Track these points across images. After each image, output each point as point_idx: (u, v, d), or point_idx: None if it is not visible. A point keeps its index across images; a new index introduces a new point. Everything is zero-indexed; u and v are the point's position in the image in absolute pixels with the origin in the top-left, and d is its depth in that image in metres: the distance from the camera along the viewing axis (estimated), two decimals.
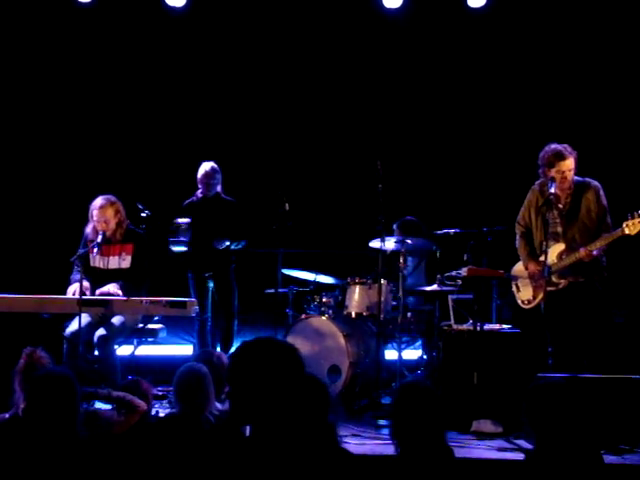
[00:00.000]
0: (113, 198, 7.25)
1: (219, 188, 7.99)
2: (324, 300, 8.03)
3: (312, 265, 8.28)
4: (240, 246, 7.87)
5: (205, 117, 9.50)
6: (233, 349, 7.76)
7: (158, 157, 9.44)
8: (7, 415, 4.94)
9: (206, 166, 7.92)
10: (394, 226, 8.09)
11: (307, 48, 9.48)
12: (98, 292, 6.99)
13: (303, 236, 8.55)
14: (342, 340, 7.54)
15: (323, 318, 7.76)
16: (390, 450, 5.75)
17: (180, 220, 7.59)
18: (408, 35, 9.32)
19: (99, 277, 7.14)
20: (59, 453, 3.75)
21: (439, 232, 7.78)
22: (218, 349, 7.73)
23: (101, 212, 7.15)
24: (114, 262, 7.23)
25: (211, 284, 7.91)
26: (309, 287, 8.25)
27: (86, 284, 6.80)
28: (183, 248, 7.61)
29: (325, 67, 9.48)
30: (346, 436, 6.14)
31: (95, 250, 7.07)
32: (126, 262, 7.22)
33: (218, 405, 4.89)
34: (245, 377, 3.01)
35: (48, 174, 9.35)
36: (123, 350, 7.41)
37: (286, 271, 8.14)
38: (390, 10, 8.83)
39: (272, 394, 2.98)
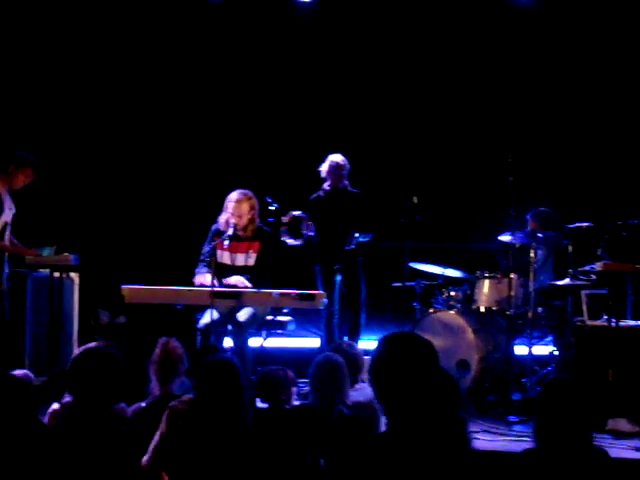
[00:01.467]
0: (250, 193, 7.33)
1: (346, 181, 7.98)
2: (452, 294, 7.94)
3: (440, 259, 8.20)
4: (367, 238, 7.85)
5: (334, 110, 9.51)
6: (361, 342, 7.78)
7: (288, 151, 9.50)
8: (144, 404, 5.06)
9: (336, 157, 7.92)
10: (527, 216, 7.91)
11: (435, 43, 9.39)
12: (225, 282, 7.10)
13: (431, 229, 8.48)
14: (471, 335, 7.45)
15: (451, 312, 7.68)
16: (522, 447, 5.72)
17: (294, 213, 7.61)
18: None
19: (225, 273, 7.24)
20: (229, 439, 3.77)
21: (571, 225, 7.58)
22: (345, 339, 7.75)
23: (237, 205, 7.24)
24: (241, 259, 7.32)
25: (339, 277, 7.92)
26: (437, 281, 8.17)
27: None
28: (297, 242, 7.65)
29: (455, 60, 9.38)
30: (477, 432, 6.07)
31: (226, 243, 7.16)
32: (252, 260, 7.31)
33: (353, 394, 4.89)
34: (388, 371, 3.02)
35: (182, 168, 9.53)
36: (252, 342, 7.50)
37: (414, 264, 8.09)
38: None
39: (412, 388, 2.99)
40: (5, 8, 9.15)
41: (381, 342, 3.09)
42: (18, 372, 4.95)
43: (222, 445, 3.78)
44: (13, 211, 7.51)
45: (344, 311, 8.01)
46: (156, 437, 4.39)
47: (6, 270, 7.35)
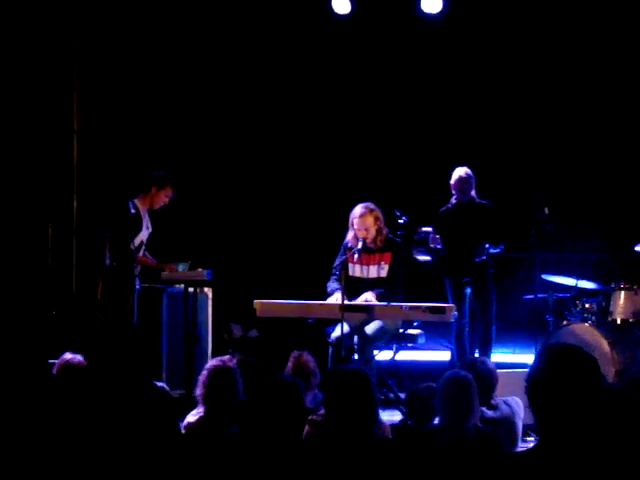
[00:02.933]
0: (372, 205, 7.36)
1: (473, 193, 7.91)
2: (586, 306, 7.75)
3: (573, 270, 8.04)
4: (498, 249, 7.76)
5: (459, 121, 9.46)
6: (492, 356, 7.68)
7: (415, 163, 9.49)
8: None
9: (460, 171, 7.87)
10: None
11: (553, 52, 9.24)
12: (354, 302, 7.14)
13: (563, 240, 8.32)
14: (607, 347, 7.26)
15: (586, 325, 7.50)
16: None
17: (424, 229, 7.60)
18: None
19: (358, 286, 7.27)
20: (358, 453, 3.74)
21: None
22: (476, 355, 7.67)
23: (361, 220, 7.28)
24: (373, 271, 7.34)
25: (469, 290, 7.85)
26: (570, 293, 8.00)
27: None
28: (427, 257, 7.62)
29: (583, 67, 9.20)
30: None
31: (355, 257, 7.20)
32: (384, 271, 7.31)
33: (488, 412, 4.83)
34: (549, 385, 2.90)
35: (313, 182, 9.63)
36: (383, 355, 7.50)
37: (545, 276, 7.95)
38: None
39: (575, 406, 2.87)
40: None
41: (542, 353, 2.98)
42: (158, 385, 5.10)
43: (353, 455, 3.76)
44: (150, 230, 7.74)
45: (474, 324, 7.92)
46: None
47: (137, 286, 7.56)
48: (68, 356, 5.35)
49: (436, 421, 4.85)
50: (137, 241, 7.55)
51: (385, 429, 4.78)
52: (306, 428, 4.30)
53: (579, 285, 7.90)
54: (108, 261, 7.34)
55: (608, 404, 2.96)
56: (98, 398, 3.83)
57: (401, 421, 4.96)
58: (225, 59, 9.58)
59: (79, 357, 5.30)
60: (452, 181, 7.88)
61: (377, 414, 3.98)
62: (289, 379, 4.01)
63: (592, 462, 2.84)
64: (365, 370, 4.04)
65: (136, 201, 7.61)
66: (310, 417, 4.40)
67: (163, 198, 7.68)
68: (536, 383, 2.92)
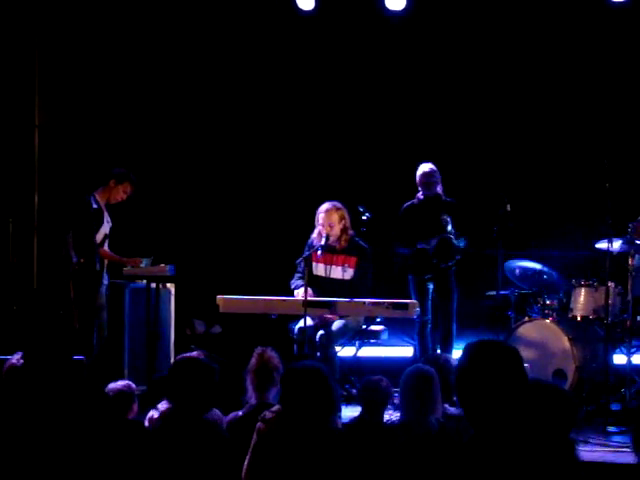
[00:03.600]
0: (339, 204, 7.44)
1: (439, 189, 7.94)
2: (547, 302, 7.83)
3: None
4: (461, 244, 7.80)
5: (422, 117, 9.48)
6: (454, 352, 7.72)
7: (378, 160, 9.51)
8: (240, 413, 5.12)
9: (424, 167, 7.91)
10: (630, 225, 7.72)
11: (526, 46, 9.29)
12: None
13: (525, 237, 8.38)
14: (567, 343, 7.35)
15: (547, 321, 7.58)
16: (622, 459, 5.62)
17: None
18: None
19: (321, 285, 7.30)
20: (317, 445, 3.77)
21: None
22: (438, 351, 7.71)
23: (326, 215, 7.34)
24: (337, 272, 7.39)
25: (431, 286, 7.89)
26: (531, 289, 8.07)
27: (310, 291, 7.00)
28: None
29: (549, 63, 9.25)
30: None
31: (319, 253, 7.23)
32: (348, 274, 7.38)
33: (451, 409, 4.85)
34: (472, 381, 2.99)
35: (276, 179, 9.61)
36: (346, 351, 7.53)
37: (512, 262, 8.01)
38: None
39: (499, 398, 2.94)
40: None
41: (465, 350, 3.06)
42: (120, 383, 5.08)
43: (309, 451, 3.79)
44: (110, 224, 7.72)
45: (436, 320, 7.96)
46: (250, 449, 4.43)
47: (105, 282, 7.54)
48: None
49: (396, 415, 4.88)
50: (100, 235, 7.54)
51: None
52: (258, 424, 4.29)
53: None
54: (75, 259, 7.32)
55: (537, 398, 3.03)
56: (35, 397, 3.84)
57: (359, 415, 4.96)
58: (187, 51, 9.52)
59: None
60: (417, 177, 7.91)
61: (336, 409, 3.99)
62: (206, 361, 4.10)
63: (521, 454, 2.91)
64: (321, 366, 4.05)
65: (96, 195, 7.62)
66: (262, 415, 4.39)
67: (121, 194, 7.72)
68: (461, 378, 3.01)
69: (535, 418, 3.04)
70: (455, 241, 7.71)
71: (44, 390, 3.80)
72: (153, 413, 5.13)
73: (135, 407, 5.00)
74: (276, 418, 4.25)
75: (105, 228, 7.66)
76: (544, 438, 3.01)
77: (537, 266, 8.01)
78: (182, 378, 4.08)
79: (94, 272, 7.26)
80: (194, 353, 5.50)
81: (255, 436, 4.36)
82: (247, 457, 4.38)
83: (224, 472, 3.90)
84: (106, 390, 4.92)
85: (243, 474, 4.37)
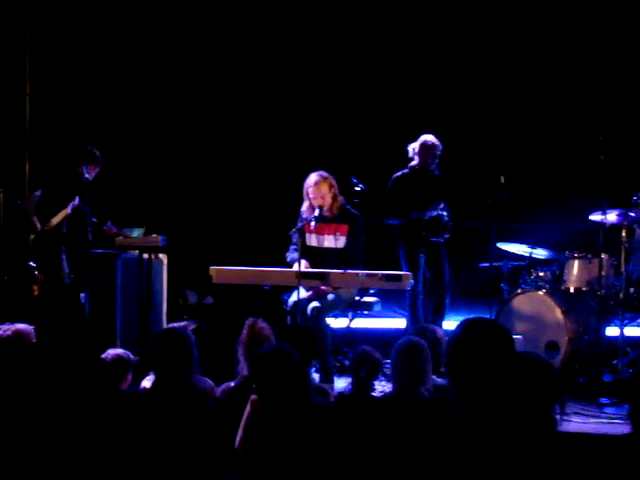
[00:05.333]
0: (325, 173, 7.36)
1: (436, 163, 7.88)
2: (540, 274, 7.82)
3: (528, 239, 8.10)
4: (445, 213, 7.76)
5: (414, 88, 9.42)
6: (444, 323, 7.73)
7: (371, 131, 9.46)
8: (233, 383, 5.12)
9: (431, 138, 7.83)
10: (634, 198, 7.67)
11: (522, 21, 9.23)
12: None
13: (519, 209, 8.36)
14: (560, 315, 7.35)
15: (540, 293, 7.57)
16: (615, 429, 5.63)
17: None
18: None
19: (314, 256, 7.27)
20: (294, 421, 3.80)
21: None
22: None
23: (316, 188, 7.27)
24: (329, 241, 7.35)
25: (422, 258, 7.86)
26: (524, 261, 8.06)
27: (306, 263, 6.98)
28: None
29: (545, 36, 9.20)
30: (567, 414, 5.97)
31: (312, 224, 7.19)
32: (340, 242, 7.34)
33: (438, 380, 4.85)
34: (463, 356, 3.06)
35: (270, 148, 9.57)
36: (339, 323, 7.52)
37: (501, 245, 7.99)
38: None
39: (487, 375, 3.02)
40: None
41: (460, 325, 3.13)
42: (119, 351, 5.07)
43: (293, 428, 3.80)
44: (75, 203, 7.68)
45: (428, 292, 7.95)
46: (243, 418, 4.42)
47: (66, 269, 7.55)
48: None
49: (388, 386, 4.87)
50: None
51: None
52: (253, 396, 4.29)
53: (534, 254, 7.97)
54: (39, 225, 7.41)
55: (522, 371, 3.06)
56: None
57: (350, 386, 4.95)
58: (168, 27, 9.46)
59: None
60: (418, 146, 7.81)
61: (309, 385, 3.99)
62: (182, 332, 4.12)
63: (502, 428, 2.98)
64: (287, 347, 4.05)
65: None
66: (252, 397, 4.38)
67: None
68: (453, 351, 3.09)
69: (519, 391, 3.06)
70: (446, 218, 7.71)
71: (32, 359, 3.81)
72: (145, 384, 5.12)
73: (129, 377, 4.99)
74: (237, 390, 4.25)
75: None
76: (526, 411, 3.03)
77: (525, 249, 7.98)
78: (159, 350, 4.08)
79: (57, 239, 7.24)
80: (183, 323, 5.50)
81: (249, 407, 4.36)
82: (241, 428, 4.38)
83: (210, 441, 3.89)
84: (104, 355, 4.91)
85: (237, 445, 4.37)
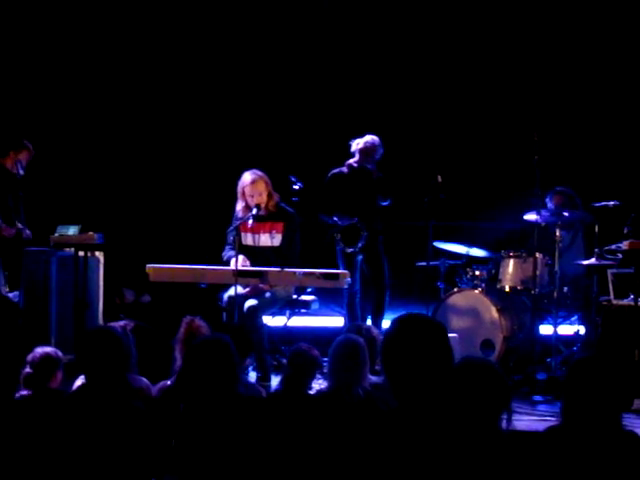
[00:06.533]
0: (260, 172, 7.30)
1: (374, 163, 7.90)
2: (477, 273, 7.91)
3: (464, 238, 8.18)
4: (386, 203, 7.80)
5: (358, 87, 9.46)
6: (385, 322, 7.76)
7: (306, 129, 9.47)
8: (169, 382, 5.08)
9: (373, 137, 7.84)
10: (547, 198, 7.81)
11: (459, 20, 9.32)
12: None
13: (455, 208, 8.43)
14: (495, 314, 7.44)
15: (476, 292, 7.66)
16: (547, 426, 5.70)
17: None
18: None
19: (251, 254, 7.24)
20: (221, 413, 3.79)
21: (597, 204, 7.51)
22: (369, 322, 7.73)
23: (253, 187, 7.22)
24: (265, 239, 7.32)
25: (359, 257, 7.88)
26: (461, 260, 8.14)
27: (245, 258, 6.97)
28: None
29: (480, 37, 9.30)
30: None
31: (250, 223, 7.17)
32: (276, 240, 7.30)
33: (373, 378, 4.87)
34: (398, 353, 3.07)
35: (206, 147, 9.53)
36: (276, 321, 7.51)
37: (438, 244, 8.06)
38: None
39: (422, 370, 3.03)
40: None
41: (393, 322, 3.14)
42: (48, 348, 4.99)
43: (216, 419, 3.80)
44: None
45: (367, 291, 7.98)
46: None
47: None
48: None
49: (320, 384, 4.87)
50: None
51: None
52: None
53: (470, 253, 8.06)
54: None
55: (468, 377, 3.08)
56: None
57: (280, 382, 4.95)
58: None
59: None
60: (361, 144, 7.82)
61: (235, 377, 3.99)
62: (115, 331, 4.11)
63: (443, 429, 3.00)
64: (223, 338, 4.04)
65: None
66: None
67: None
68: (387, 349, 3.10)
69: (464, 397, 3.08)
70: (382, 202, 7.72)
71: None
72: (78, 383, 5.06)
73: (59, 375, 4.91)
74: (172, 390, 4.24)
75: None
76: (472, 418, 3.05)
77: (462, 249, 8.06)
78: (89, 351, 4.03)
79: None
80: (122, 322, 5.44)
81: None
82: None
83: (142, 441, 3.85)
84: (33, 352, 4.83)
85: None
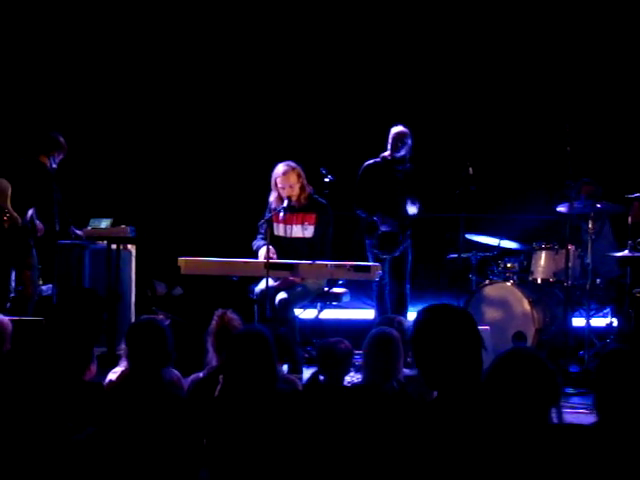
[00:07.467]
0: (293, 163, 7.30)
1: (403, 152, 7.88)
2: (508, 265, 7.87)
3: (496, 230, 8.15)
4: (414, 213, 7.78)
5: (390, 80, 9.44)
6: (409, 314, 7.75)
7: (342, 122, 9.46)
8: (201, 374, 5.10)
9: (401, 127, 7.83)
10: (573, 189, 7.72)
11: (490, 9, 9.27)
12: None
13: (487, 201, 8.40)
14: (528, 306, 7.41)
15: (508, 284, 7.62)
16: (580, 419, 5.68)
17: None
18: None
19: (282, 245, 7.25)
20: (259, 408, 3.80)
21: (630, 195, 7.45)
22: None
23: (285, 178, 7.22)
24: (297, 231, 7.31)
25: None
26: (493, 252, 8.11)
27: (273, 249, 6.96)
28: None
29: (513, 27, 9.25)
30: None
31: (281, 215, 7.18)
32: (309, 232, 7.28)
33: (405, 370, 4.86)
34: (427, 341, 3.06)
35: (240, 140, 9.54)
36: (307, 314, 7.52)
37: (469, 236, 8.03)
38: None
39: (453, 359, 3.02)
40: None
41: (420, 312, 3.16)
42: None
43: (253, 414, 3.81)
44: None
45: (392, 283, 7.96)
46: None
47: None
48: None
49: (357, 377, 4.87)
50: None
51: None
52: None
53: (502, 245, 8.02)
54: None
55: (516, 369, 3.03)
56: None
57: (311, 376, 4.95)
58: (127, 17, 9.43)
59: None
60: (391, 136, 7.80)
61: (275, 371, 4.00)
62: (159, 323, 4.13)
63: (485, 417, 2.95)
64: (262, 330, 4.05)
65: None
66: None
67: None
68: (415, 340, 3.10)
69: (512, 390, 3.01)
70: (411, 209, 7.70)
71: None
72: (111, 377, 5.10)
73: (93, 368, 4.95)
74: (205, 381, 4.26)
75: None
76: (520, 411, 2.98)
77: (493, 241, 8.02)
78: (136, 340, 4.07)
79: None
80: (159, 317, 5.47)
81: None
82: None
83: (180, 431, 3.88)
84: None
85: None
